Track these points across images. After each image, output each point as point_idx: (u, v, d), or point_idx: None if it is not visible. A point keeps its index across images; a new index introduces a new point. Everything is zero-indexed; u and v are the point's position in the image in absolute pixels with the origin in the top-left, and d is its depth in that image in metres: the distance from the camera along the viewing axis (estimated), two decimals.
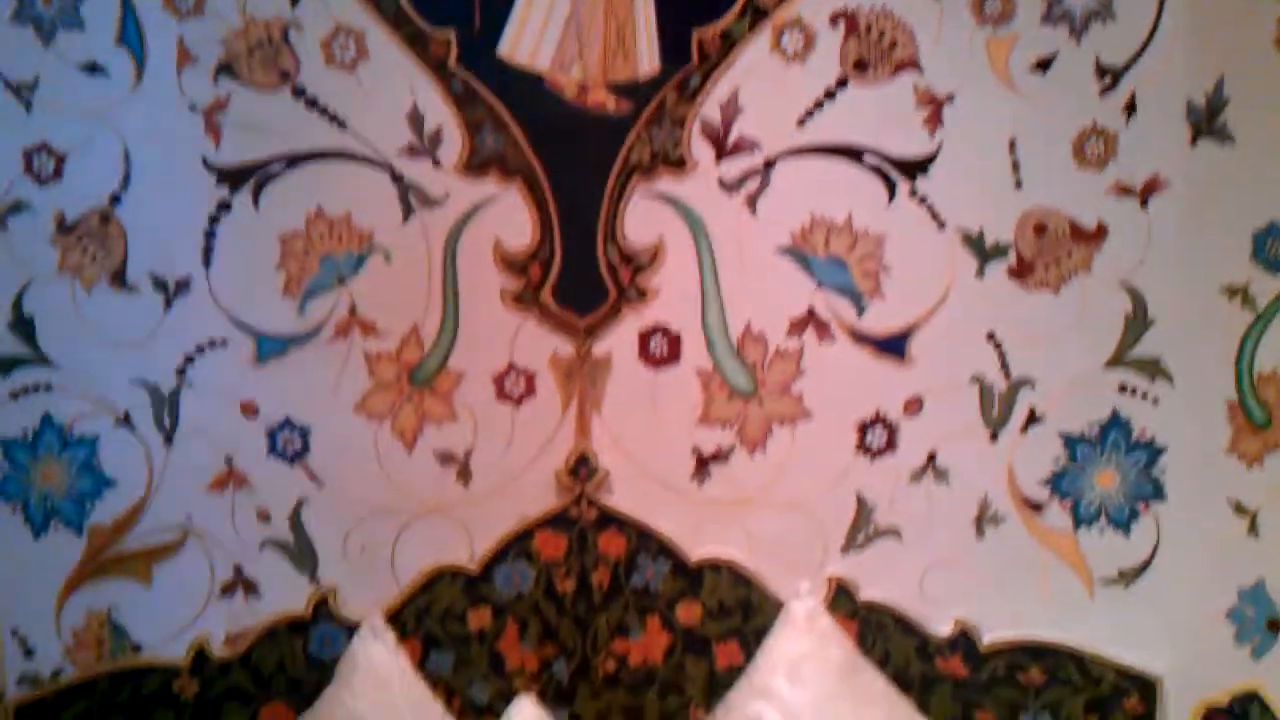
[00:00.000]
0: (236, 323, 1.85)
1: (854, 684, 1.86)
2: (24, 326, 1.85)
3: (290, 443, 1.89)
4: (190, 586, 1.93)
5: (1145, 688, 1.98)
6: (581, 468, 1.91)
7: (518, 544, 1.93)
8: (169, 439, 1.88)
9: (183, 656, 1.93)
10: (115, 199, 1.82)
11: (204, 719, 1.94)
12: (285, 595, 1.93)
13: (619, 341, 1.89)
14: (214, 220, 1.83)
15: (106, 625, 1.93)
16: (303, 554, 1.92)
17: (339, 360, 1.87)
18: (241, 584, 1.93)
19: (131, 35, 1.77)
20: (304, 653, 1.93)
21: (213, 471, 1.90)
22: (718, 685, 1.94)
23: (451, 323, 1.87)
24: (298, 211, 1.84)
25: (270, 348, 1.86)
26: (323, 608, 1.93)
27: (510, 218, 1.86)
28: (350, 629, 1.89)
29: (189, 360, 1.87)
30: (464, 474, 1.91)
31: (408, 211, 1.84)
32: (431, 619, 1.93)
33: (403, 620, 1.92)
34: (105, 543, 1.91)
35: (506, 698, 1.85)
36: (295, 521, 1.91)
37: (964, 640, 1.96)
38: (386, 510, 1.91)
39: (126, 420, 1.87)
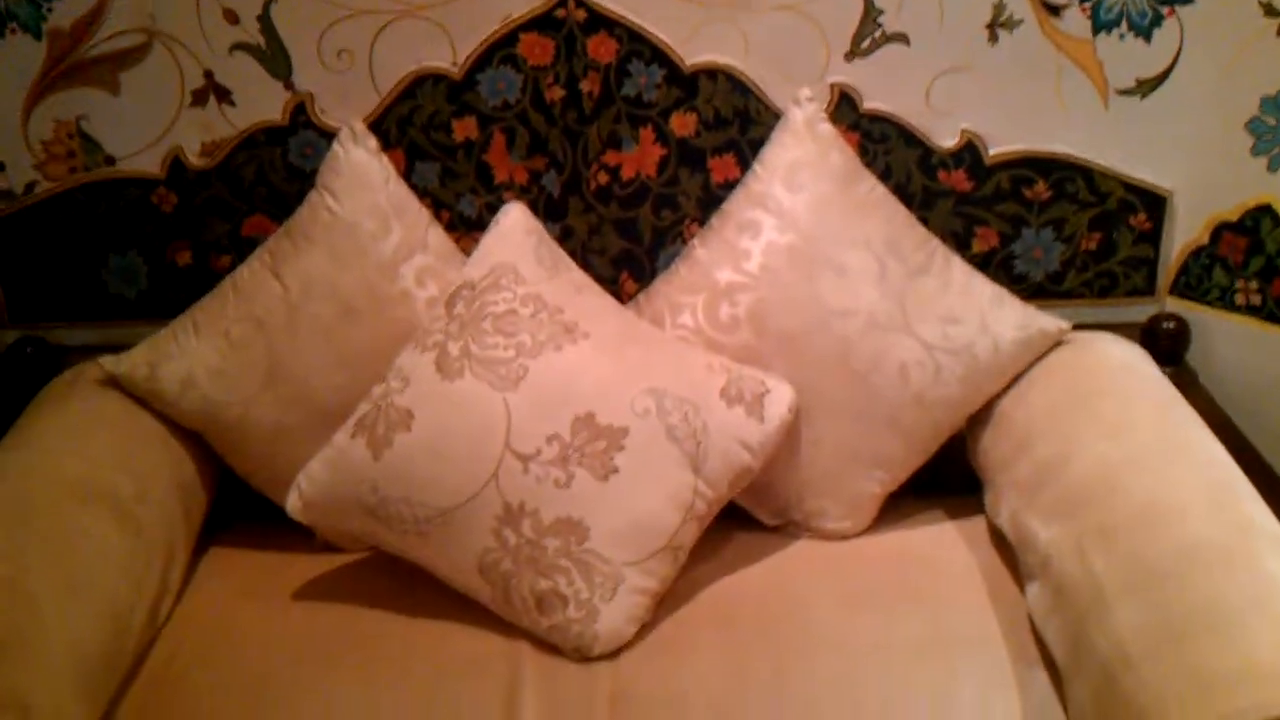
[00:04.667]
0: None
1: (853, 191, 1.79)
2: None
3: None
4: (160, 95, 1.85)
5: (1153, 203, 1.92)
6: None
7: (502, 48, 1.82)
8: None
9: (158, 168, 1.87)
10: None
11: (185, 232, 1.89)
12: (260, 103, 1.85)
13: None
14: None
15: (77, 136, 1.86)
16: (276, 58, 1.82)
17: None
18: (213, 91, 1.84)
19: None
20: (283, 162, 1.86)
21: None
22: (713, 199, 1.88)
23: None
24: None
25: None
26: (300, 115, 1.85)
27: None
28: (330, 137, 1.81)
29: None
30: None
31: None
32: (415, 128, 1.85)
33: (385, 129, 1.85)
34: (67, 48, 1.81)
35: (495, 211, 1.79)
36: (265, 22, 1.80)
37: (969, 152, 1.89)
38: (362, 9, 1.80)
39: None
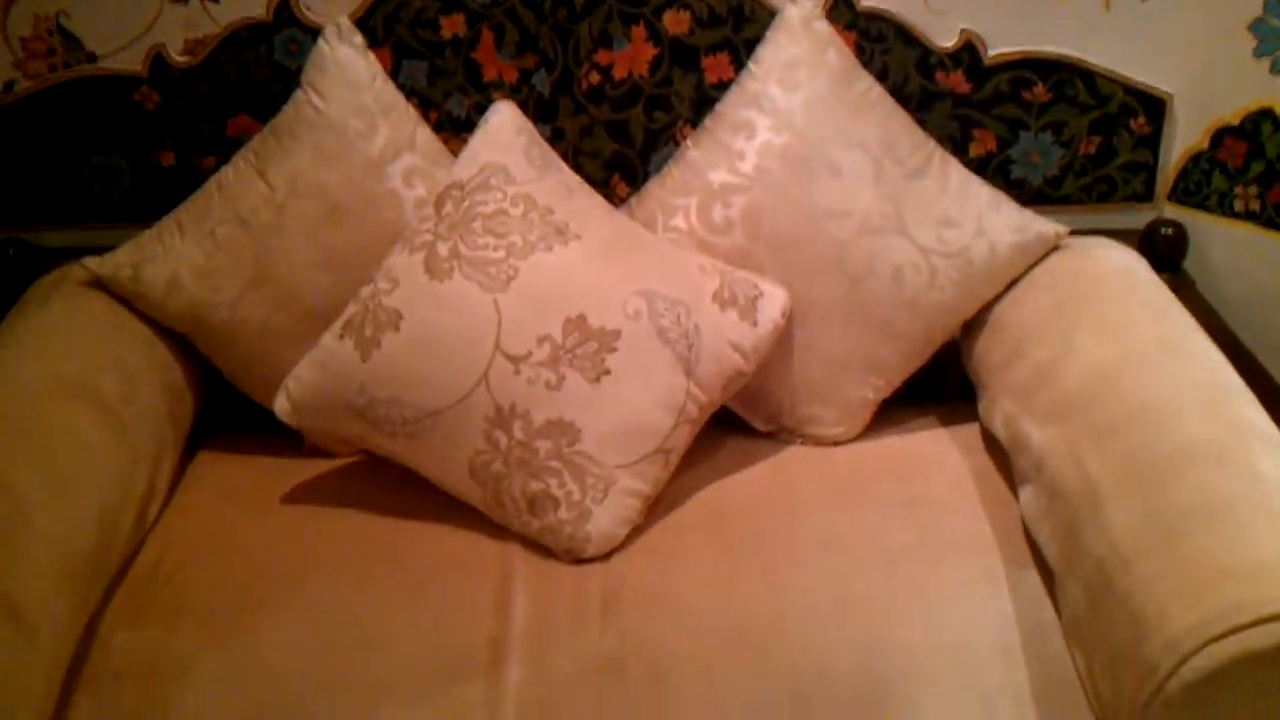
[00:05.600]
0: None
1: (850, 91, 1.76)
2: None
3: None
4: None
5: (1153, 107, 1.89)
6: None
7: None
8: None
9: (141, 66, 1.82)
10: None
11: (169, 132, 1.86)
12: None
13: None
14: None
15: (57, 33, 1.81)
16: None
17: None
18: None
19: None
20: (268, 60, 1.82)
21: None
22: (706, 100, 1.84)
23: None
24: None
25: None
26: (285, 12, 1.81)
27: None
28: (315, 34, 1.77)
29: None
30: None
31: None
32: (401, 25, 1.81)
33: (371, 26, 1.80)
34: None
35: (484, 111, 1.75)
36: None
37: (968, 53, 1.85)
38: None
39: None
